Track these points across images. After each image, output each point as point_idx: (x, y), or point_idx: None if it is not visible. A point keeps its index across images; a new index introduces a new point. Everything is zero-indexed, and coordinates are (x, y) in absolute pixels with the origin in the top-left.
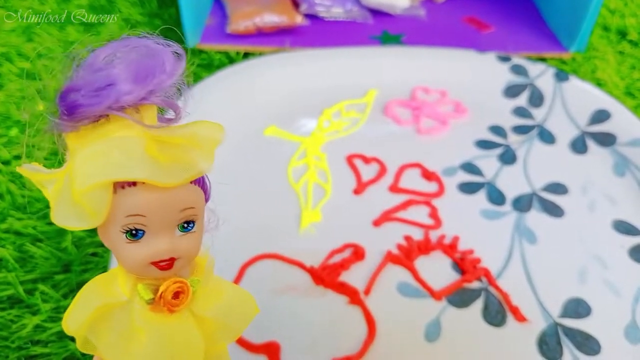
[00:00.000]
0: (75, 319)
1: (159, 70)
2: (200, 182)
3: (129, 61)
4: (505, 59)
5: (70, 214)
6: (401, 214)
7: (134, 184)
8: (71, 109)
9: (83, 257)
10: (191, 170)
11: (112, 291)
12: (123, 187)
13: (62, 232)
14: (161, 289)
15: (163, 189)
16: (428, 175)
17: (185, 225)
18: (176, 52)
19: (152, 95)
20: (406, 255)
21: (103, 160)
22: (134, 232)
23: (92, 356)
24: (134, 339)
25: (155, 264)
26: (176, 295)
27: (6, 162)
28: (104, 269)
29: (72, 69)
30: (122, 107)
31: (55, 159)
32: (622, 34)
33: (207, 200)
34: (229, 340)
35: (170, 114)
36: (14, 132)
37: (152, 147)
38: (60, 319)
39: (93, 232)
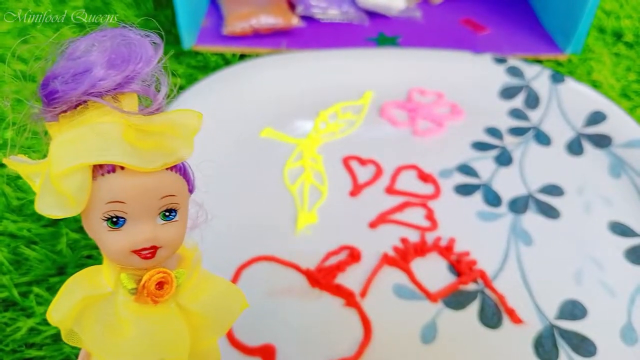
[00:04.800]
0: (60, 309)
1: (135, 58)
2: (182, 171)
3: (105, 49)
4: (501, 60)
5: (53, 202)
6: (397, 216)
7: (113, 170)
8: (50, 96)
9: (78, 260)
10: (170, 157)
11: (96, 283)
12: (102, 174)
13: (57, 235)
14: (144, 278)
15: (142, 175)
16: (424, 177)
17: (167, 213)
18: (154, 42)
19: (129, 83)
20: (402, 257)
21: (79, 145)
22: (114, 219)
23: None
24: (119, 331)
25: (137, 252)
26: (160, 285)
27: (0, 165)
28: None
29: (54, 60)
30: (100, 94)
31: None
32: (618, 35)
33: (191, 191)
34: (216, 335)
35: (152, 106)
36: (8, 134)
37: (129, 133)
38: None
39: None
